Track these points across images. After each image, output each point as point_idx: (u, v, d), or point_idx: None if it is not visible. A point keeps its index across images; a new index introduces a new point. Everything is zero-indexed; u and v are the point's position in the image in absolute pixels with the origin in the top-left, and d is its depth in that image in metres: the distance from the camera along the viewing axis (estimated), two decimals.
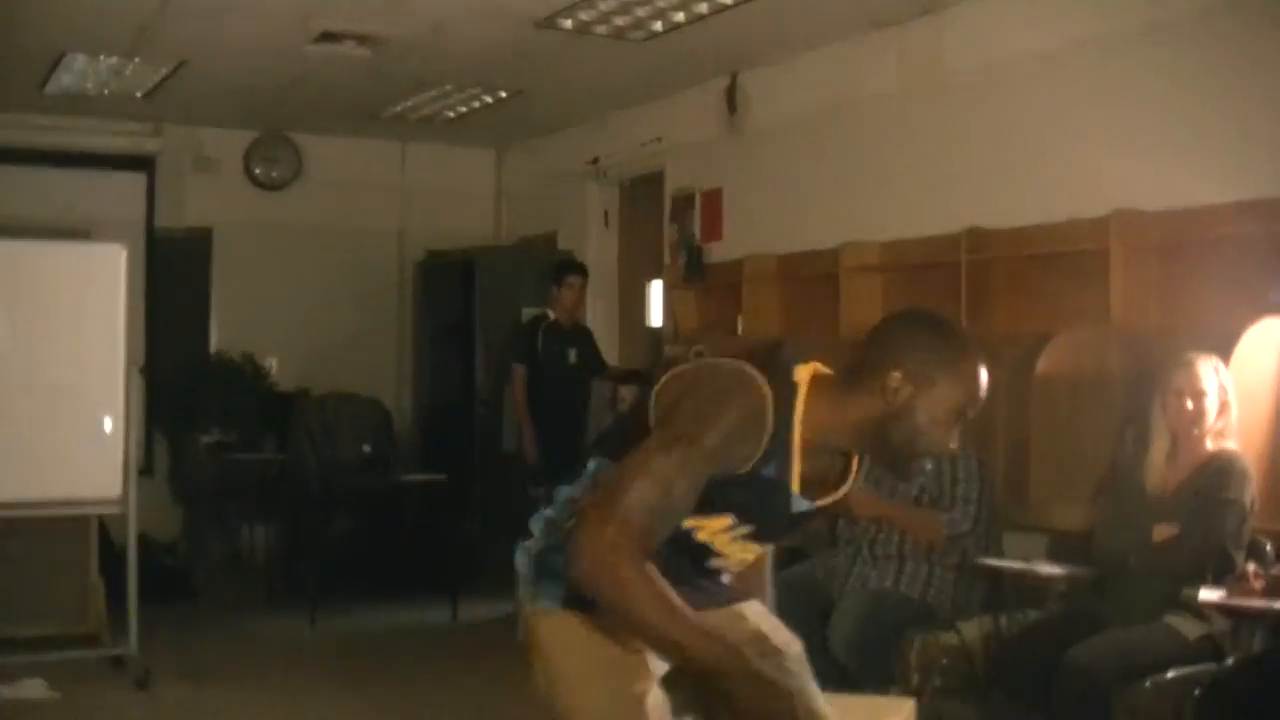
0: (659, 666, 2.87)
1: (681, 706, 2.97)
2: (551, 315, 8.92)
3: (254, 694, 6.77)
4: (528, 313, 9.45)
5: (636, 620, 2.61)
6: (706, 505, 2.74)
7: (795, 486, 2.83)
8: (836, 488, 2.96)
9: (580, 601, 2.75)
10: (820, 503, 2.92)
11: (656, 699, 2.85)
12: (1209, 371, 4.80)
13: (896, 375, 2.75)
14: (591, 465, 2.90)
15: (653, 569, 2.60)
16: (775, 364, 2.85)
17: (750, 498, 2.80)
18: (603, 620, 2.79)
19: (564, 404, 8.86)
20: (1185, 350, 4.89)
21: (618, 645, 2.82)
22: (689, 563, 2.90)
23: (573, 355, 8.90)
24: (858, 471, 2.99)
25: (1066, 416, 6.02)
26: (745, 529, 2.87)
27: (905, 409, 2.78)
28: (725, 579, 3.05)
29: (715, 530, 2.85)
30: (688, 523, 2.77)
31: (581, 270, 9.14)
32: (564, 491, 2.94)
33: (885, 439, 2.83)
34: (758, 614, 3.11)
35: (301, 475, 9.11)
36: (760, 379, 2.75)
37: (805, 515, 2.92)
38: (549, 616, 2.88)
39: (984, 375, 2.84)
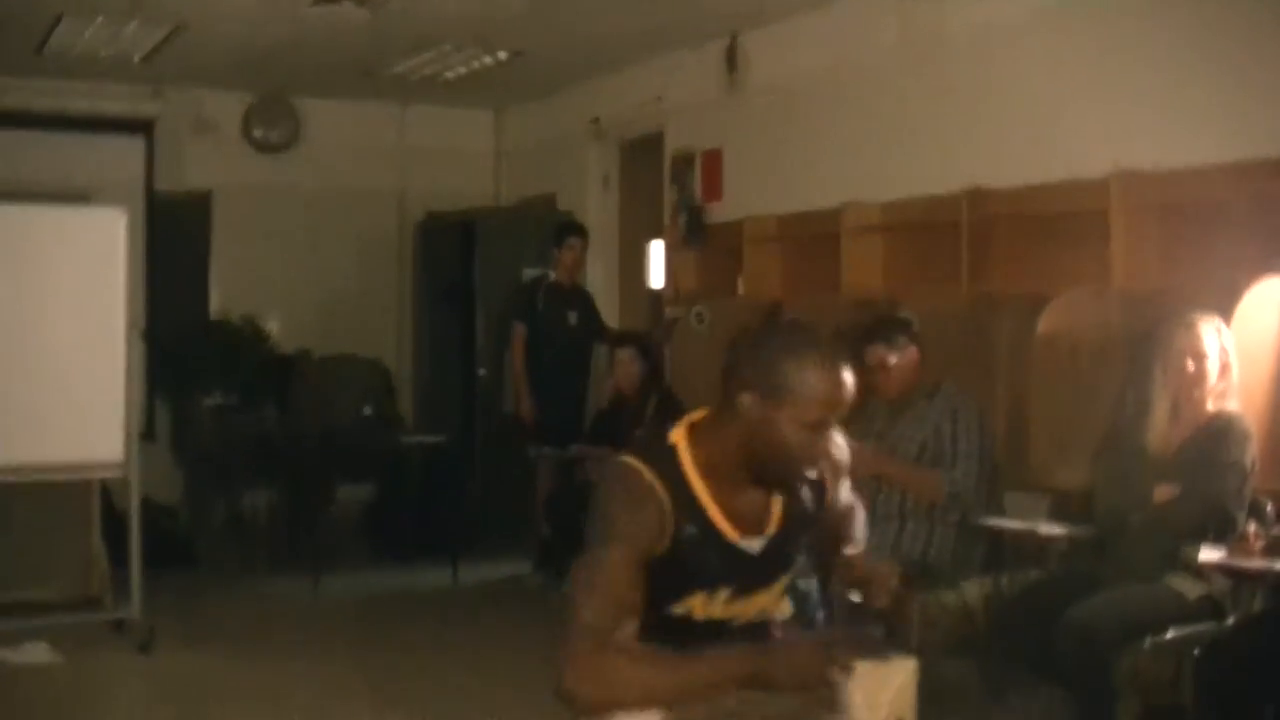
0: None
1: None
2: (552, 276, 8.92)
3: (257, 657, 6.79)
4: (528, 274, 9.45)
5: (660, 698, 2.69)
6: (674, 590, 2.81)
7: (732, 534, 2.84)
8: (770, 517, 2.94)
9: None
10: (769, 533, 2.91)
11: None
12: (1210, 332, 4.78)
13: (746, 397, 2.74)
14: None
15: (634, 648, 2.69)
16: (650, 439, 2.91)
17: (695, 565, 2.82)
18: None
19: (564, 365, 8.86)
20: (1186, 311, 4.87)
21: None
22: (716, 639, 2.89)
23: (573, 317, 8.90)
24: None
25: (1067, 377, 6.01)
26: (724, 592, 2.88)
27: (766, 428, 2.76)
28: (777, 631, 3.05)
29: (702, 606, 2.87)
30: (678, 610, 2.83)
31: (581, 232, 9.14)
32: None
33: (760, 462, 2.81)
34: None
35: (302, 438, 9.12)
36: (636, 463, 2.80)
37: (779, 549, 2.93)
38: None
39: (842, 374, 2.77)
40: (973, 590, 6.03)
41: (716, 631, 2.89)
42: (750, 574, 2.91)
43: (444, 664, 6.77)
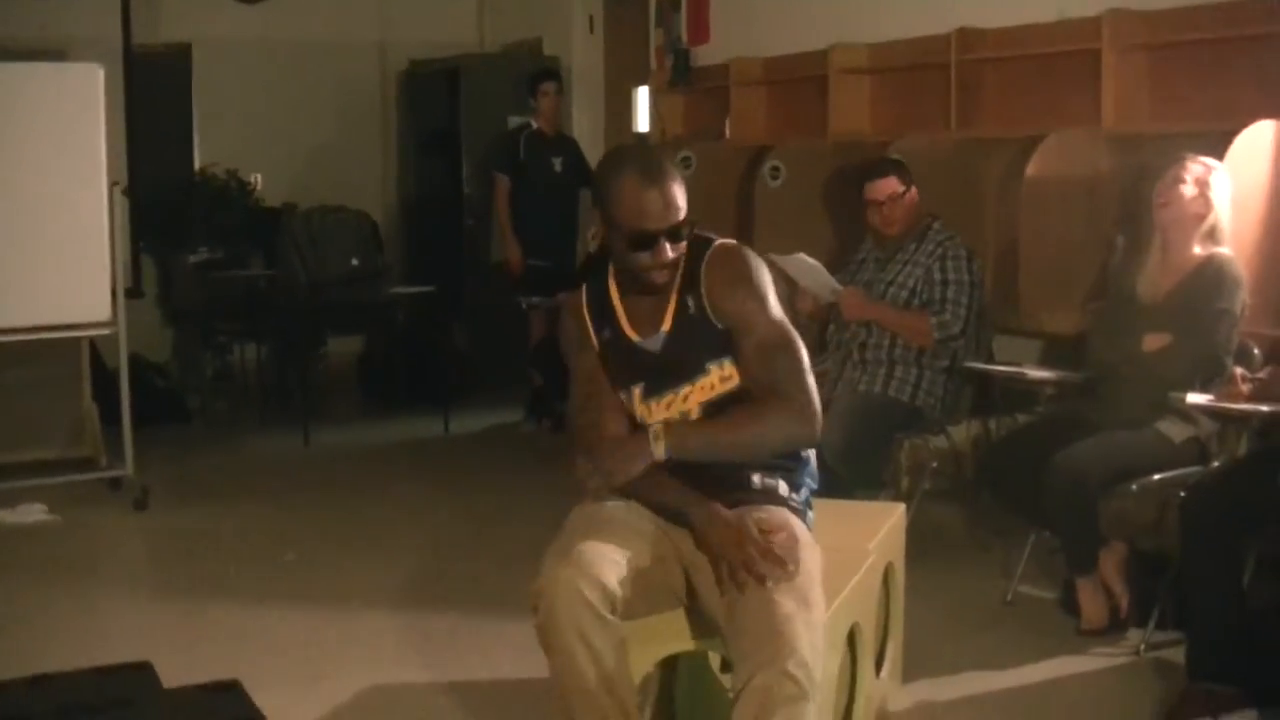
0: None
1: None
2: (534, 125, 8.83)
3: (251, 510, 6.83)
4: (513, 121, 9.37)
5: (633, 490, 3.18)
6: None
7: (633, 335, 3.26)
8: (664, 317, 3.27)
9: None
10: (665, 330, 3.24)
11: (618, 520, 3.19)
12: (1196, 165, 4.75)
13: (598, 216, 3.14)
14: None
15: (619, 437, 3.24)
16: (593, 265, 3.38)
17: (612, 365, 3.27)
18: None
19: (551, 213, 8.81)
20: (1170, 155, 4.83)
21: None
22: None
23: (558, 164, 8.83)
24: (677, 299, 3.24)
25: (1057, 220, 6.00)
26: (638, 387, 3.26)
27: (611, 243, 3.15)
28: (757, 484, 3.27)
29: (635, 409, 3.27)
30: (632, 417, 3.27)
31: (555, 76, 9.02)
32: None
33: (620, 272, 3.23)
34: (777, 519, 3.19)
35: (290, 291, 9.09)
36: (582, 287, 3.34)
37: (677, 350, 3.24)
38: None
39: (647, 191, 3.06)
40: (961, 434, 6.08)
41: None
42: (654, 372, 3.25)
43: (438, 512, 6.82)
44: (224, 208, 10.15)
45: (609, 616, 2.97)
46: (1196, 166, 4.75)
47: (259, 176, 10.46)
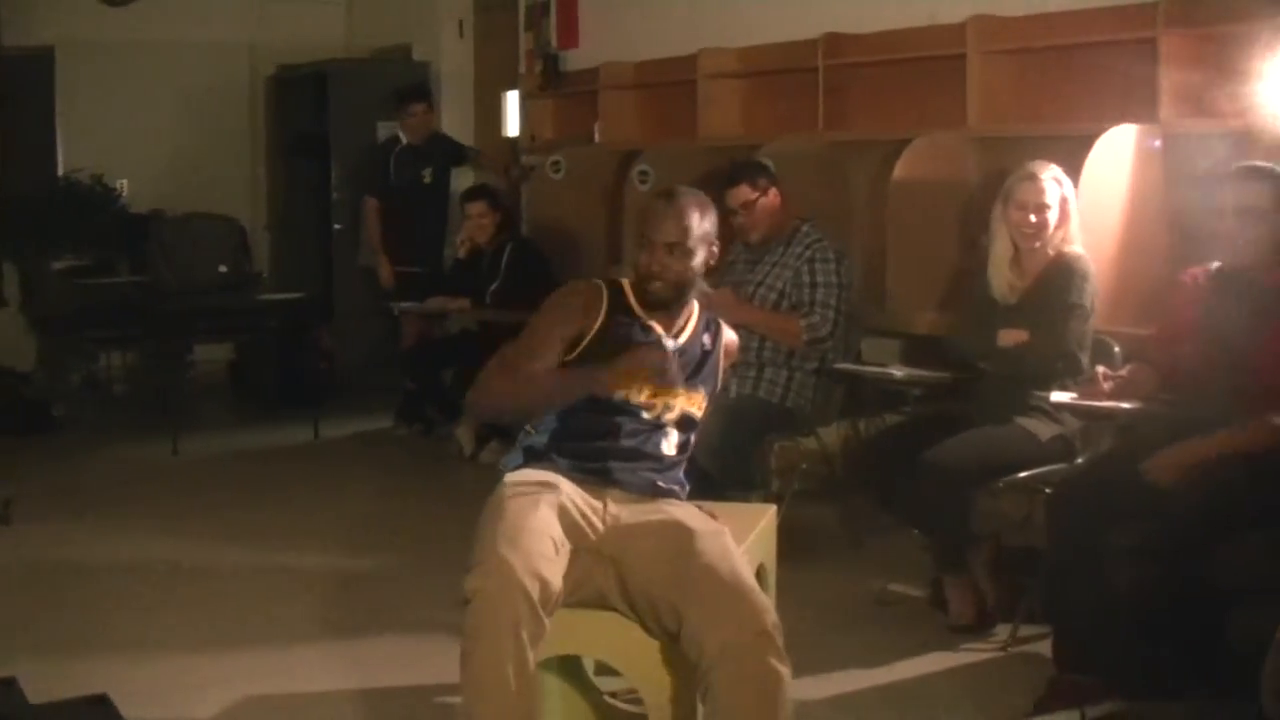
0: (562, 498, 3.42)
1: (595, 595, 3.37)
2: (404, 139, 8.78)
3: (120, 521, 6.71)
4: (383, 128, 9.33)
5: (516, 401, 3.53)
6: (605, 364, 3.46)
7: (657, 328, 3.57)
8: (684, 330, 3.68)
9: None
10: (681, 340, 3.63)
11: (551, 506, 3.35)
12: (1051, 182, 4.79)
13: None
14: None
15: (523, 370, 3.48)
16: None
17: (627, 340, 3.50)
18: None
19: (420, 220, 8.79)
20: (1028, 163, 4.88)
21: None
22: (631, 434, 3.56)
23: (428, 175, 8.80)
24: (697, 324, 3.71)
25: (924, 221, 6.07)
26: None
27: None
28: (667, 448, 3.64)
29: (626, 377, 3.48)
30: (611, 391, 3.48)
31: (424, 96, 8.97)
32: None
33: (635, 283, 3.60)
34: (686, 513, 3.54)
35: (159, 298, 8.97)
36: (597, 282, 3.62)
37: (688, 356, 3.63)
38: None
39: (654, 205, 3.56)
40: (831, 435, 6.14)
41: (633, 413, 3.54)
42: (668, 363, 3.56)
43: (310, 519, 6.75)
44: (89, 214, 9.97)
45: (543, 615, 3.11)
46: (1052, 184, 4.78)
47: (125, 182, 10.31)
